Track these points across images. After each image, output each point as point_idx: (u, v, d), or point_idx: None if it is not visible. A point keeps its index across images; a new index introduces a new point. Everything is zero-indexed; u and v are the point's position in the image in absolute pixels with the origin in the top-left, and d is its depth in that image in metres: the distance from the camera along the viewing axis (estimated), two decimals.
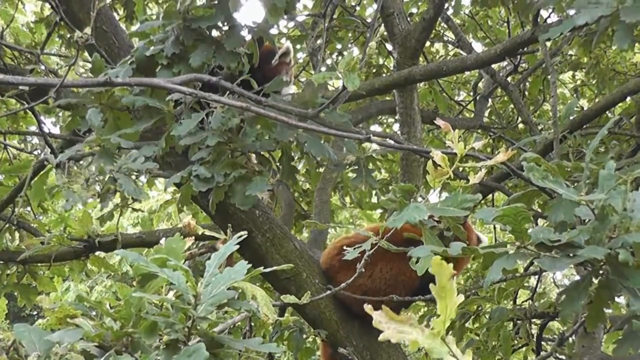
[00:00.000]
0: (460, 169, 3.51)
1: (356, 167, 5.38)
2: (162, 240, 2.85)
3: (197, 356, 2.29)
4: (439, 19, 8.95)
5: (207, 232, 4.08)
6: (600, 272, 2.96)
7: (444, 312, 2.18)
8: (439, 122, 3.58)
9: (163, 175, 5.00)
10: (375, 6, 8.41)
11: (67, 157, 4.61)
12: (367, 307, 2.26)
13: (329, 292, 4.58)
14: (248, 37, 4.92)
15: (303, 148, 4.75)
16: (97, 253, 7.40)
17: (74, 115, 4.82)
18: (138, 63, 4.74)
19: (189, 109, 4.67)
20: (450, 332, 2.26)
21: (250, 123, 4.69)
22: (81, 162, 4.66)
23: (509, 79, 9.89)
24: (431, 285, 2.22)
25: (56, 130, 7.89)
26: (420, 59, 8.73)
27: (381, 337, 2.17)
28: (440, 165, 3.38)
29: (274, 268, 3.15)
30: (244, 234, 2.92)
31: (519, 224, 2.95)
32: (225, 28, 4.86)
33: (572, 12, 4.18)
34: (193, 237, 3.39)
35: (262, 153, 4.93)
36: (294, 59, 6.27)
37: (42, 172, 7.29)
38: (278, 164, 4.99)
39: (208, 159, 4.65)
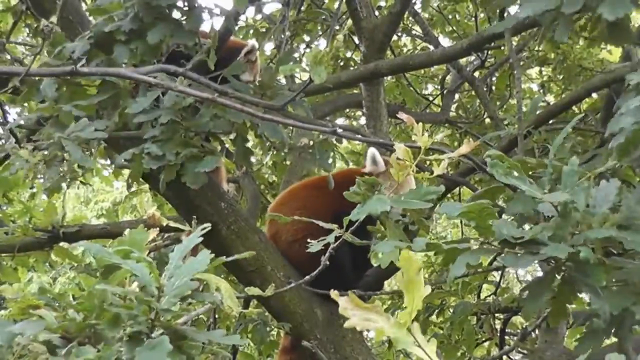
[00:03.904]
0: (426, 162, 3.53)
1: (310, 150, 5.36)
2: (127, 232, 2.84)
3: (160, 349, 2.29)
4: (407, 13, 8.98)
5: (172, 224, 4.06)
6: (563, 268, 2.99)
7: (411, 304, 2.19)
8: (401, 115, 3.59)
9: (128, 167, 4.98)
10: None
11: (17, 125, 4.59)
12: (334, 294, 2.27)
13: (292, 284, 4.59)
14: (209, 21, 4.90)
15: (257, 130, 4.76)
16: (61, 244, 7.36)
17: (30, 87, 4.77)
18: (96, 39, 4.72)
19: (144, 87, 4.66)
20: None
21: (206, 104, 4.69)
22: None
23: (476, 73, 9.93)
24: (398, 277, 2.24)
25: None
26: (388, 52, 8.75)
27: (347, 324, 2.17)
28: (403, 159, 3.40)
29: (236, 257, 3.14)
30: (207, 226, 2.91)
31: (484, 220, 2.97)
32: (186, 8, 4.86)
33: None
34: (158, 229, 3.36)
35: (217, 135, 4.92)
36: (260, 56, 6.26)
37: (6, 162, 7.22)
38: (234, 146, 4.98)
39: (160, 137, 4.64)
